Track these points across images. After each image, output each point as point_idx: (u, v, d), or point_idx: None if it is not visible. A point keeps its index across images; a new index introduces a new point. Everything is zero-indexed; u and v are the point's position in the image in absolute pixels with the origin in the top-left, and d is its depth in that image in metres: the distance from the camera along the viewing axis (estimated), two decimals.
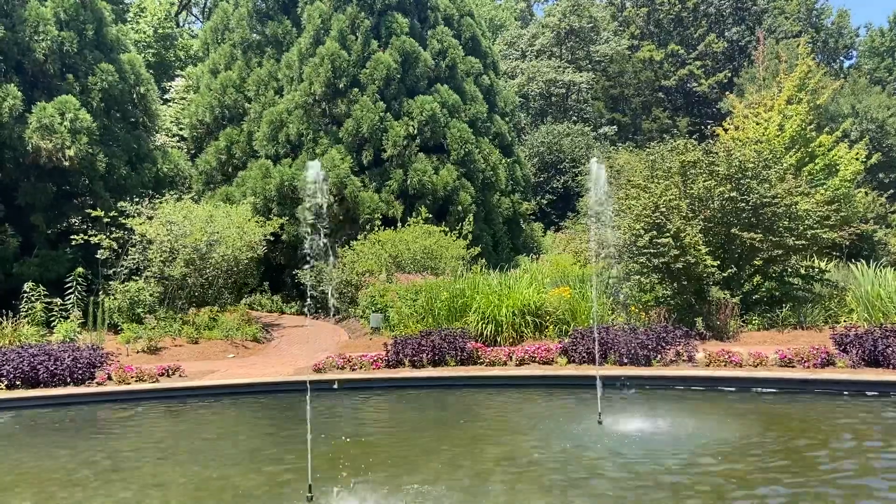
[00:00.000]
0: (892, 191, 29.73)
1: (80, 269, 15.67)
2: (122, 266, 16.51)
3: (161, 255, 15.93)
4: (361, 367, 11.35)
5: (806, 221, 13.85)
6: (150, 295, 15.48)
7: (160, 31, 34.99)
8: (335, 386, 10.41)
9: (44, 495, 6.48)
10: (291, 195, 21.00)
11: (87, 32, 18.37)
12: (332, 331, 16.80)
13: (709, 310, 13.07)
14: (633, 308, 13.46)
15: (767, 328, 13.01)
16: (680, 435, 7.78)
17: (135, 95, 19.43)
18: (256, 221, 18.09)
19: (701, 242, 13.08)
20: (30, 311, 14.94)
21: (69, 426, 9.62)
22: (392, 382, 10.90)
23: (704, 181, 13.96)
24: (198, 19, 45.55)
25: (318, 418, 8.95)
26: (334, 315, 18.23)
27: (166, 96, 28.14)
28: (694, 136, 31.40)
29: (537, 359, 11.24)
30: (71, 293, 15.44)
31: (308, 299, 19.91)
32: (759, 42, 33.17)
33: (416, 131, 21.36)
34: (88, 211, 17.03)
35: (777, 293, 14.04)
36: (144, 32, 34.32)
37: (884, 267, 15.54)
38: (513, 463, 7.02)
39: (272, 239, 19.17)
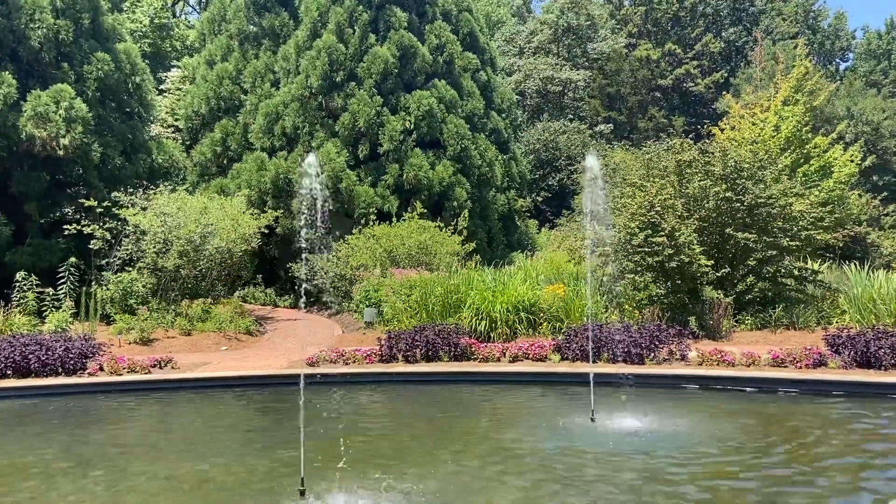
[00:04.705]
0: (885, 193, 29.83)
1: (73, 259, 15.61)
2: (116, 257, 16.45)
3: (155, 247, 15.86)
4: (355, 362, 11.35)
5: (800, 223, 13.90)
6: (143, 286, 15.42)
7: (156, 20, 34.81)
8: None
9: (29, 485, 6.46)
10: (286, 188, 20.95)
11: (83, 21, 18.26)
12: (326, 325, 16.77)
13: (702, 309, 13.10)
14: (626, 306, 13.49)
15: (760, 328, 13.06)
16: (672, 433, 7.81)
17: (130, 85, 19.31)
18: (251, 214, 18.04)
19: (695, 242, 13.11)
20: (22, 301, 14.88)
21: (60, 416, 9.58)
22: (385, 377, 10.90)
23: (700, 181, 13.99)
24: (194, 10, 45.32)
25: (312, 412, 8.94)
26: (328, 309, 18.20)
27: (162, 87, 27.98)
28: (690, 136, 31.48)
29: (531, 356, 11.25)
30: (63, 283, 15.37)
31: (302, 293, 19.87)
32: (756, 43, 33.23)
33: (412, 126, 21.32)
34: (82, 201, 16.94)
35: (770, 293, 14.09)
36: (140, 22, 34.13)
37: (876, 269, 15.61)
38: (503, 459, 7.03)
39: (266, 232, 19.12)
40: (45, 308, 14.77)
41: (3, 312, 14.14)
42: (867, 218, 25.20)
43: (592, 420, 8.16)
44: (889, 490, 5.95)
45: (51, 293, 15.01)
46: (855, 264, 15.39)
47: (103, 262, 16.46)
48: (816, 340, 11.19)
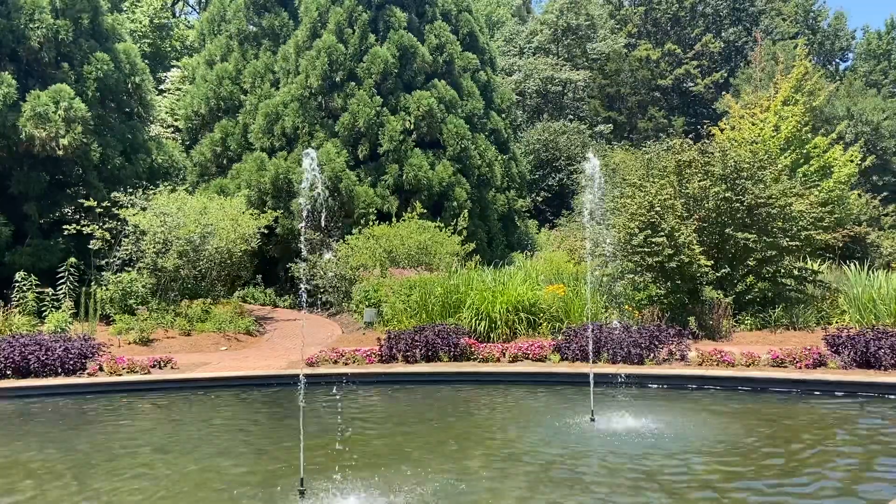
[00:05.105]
0: (885, 193, 29.82)
1: (72, 259, 15.60)
2: (115, 257, 16.44)
3: (154, 247, 15.86)
4: (355, 362, 11.34)
5: (800, 223, 13.91)
6: (143, 286, 15.42)
7: (156, 20, 34.82)
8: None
9: (28, 484, 6.46)
10: (286, 188, 20.94)
11: (83, 21, 18.25)
12: (326, 325, 16.77)
13: (702, 309, 13.10)
14: (626, 306, 13.49)
15: (760, 328, 13.06)
16: (671, 434, 7.80)
17: (130, 85, 19.29)
18: (251, 214, 18.03)
19: (695, 242, 13.11)
20: (21, 301, 14.86)
21: (59, 416, 9.57)
22: (385, 377, 10.90)
23: (700, 181, 13.99)
24: (194, 10, 45.31)
25: (311, 412, 8.94)
26: (328, 309, 18.20)
27: (161, 87, 27.99)
28: (690, 136, 31.42)
29: (530, 356, 11.25)
30: (63, 283, 15.36)
31: (302, 293, 19.86)
32: (755, 43, 33.23)
33: (412, 126, 21.32)
34: (81, 201, 16.93)
35: (770, 293, 14.09)
36: (140, 22, 34.14)
37: (876, 269, 15.62)
38: (503, 459, 7.02)
39: (266, 232, 19.11)
40: (44, 308, 14.76)
41: (3, 312, 14.12)
42: (867, 218, 25.20)
43: (592, 420, 8.16)
44: (890, 489, 5.95)
45: (50, 293, 14.99)
46: (855, 264, 15.39)
47: (103, 262, 16.45)
48: (816, 340, 11.19)
